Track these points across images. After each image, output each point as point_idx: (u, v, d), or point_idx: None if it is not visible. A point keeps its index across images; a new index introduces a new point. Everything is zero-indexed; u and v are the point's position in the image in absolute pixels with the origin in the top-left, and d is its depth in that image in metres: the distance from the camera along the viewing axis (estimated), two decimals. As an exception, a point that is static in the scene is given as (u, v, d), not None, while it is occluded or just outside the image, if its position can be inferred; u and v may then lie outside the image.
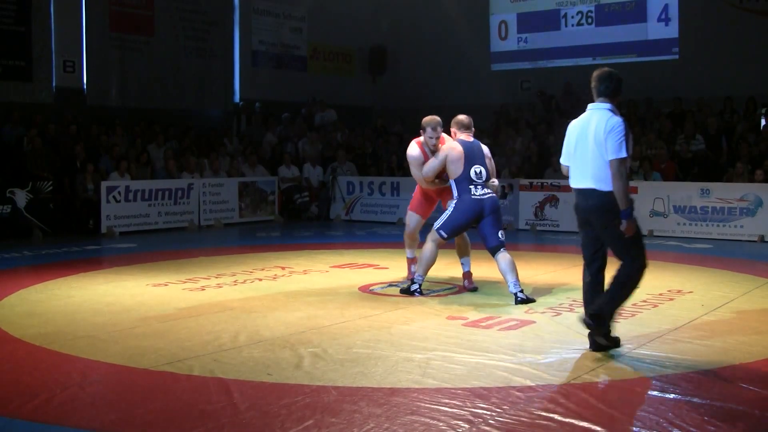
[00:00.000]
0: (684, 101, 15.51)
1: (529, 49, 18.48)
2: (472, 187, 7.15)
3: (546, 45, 18.21)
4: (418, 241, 7.99)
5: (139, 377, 4.77)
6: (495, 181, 7.43)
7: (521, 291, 6.96)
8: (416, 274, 7.38)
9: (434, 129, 7.38)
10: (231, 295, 7.39)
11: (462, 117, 7.48)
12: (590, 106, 5.34)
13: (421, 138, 7.50)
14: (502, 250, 7.08)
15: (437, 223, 7.28)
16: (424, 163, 7.43)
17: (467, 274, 7.71)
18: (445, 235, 7.23)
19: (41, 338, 5.66)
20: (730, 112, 14.90)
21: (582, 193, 5.31)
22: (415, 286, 7.33)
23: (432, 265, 7.38)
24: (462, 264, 7.72)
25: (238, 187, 14.49)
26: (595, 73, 5.32)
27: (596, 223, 5.26)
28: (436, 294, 7.43)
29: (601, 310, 5.15)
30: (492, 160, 7.47)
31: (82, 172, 12.88)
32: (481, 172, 7.21)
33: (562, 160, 5.56)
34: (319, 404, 4.21)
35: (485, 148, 7.44)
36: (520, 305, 6.81)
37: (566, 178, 5.52)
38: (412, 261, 7.95)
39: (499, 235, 7.12)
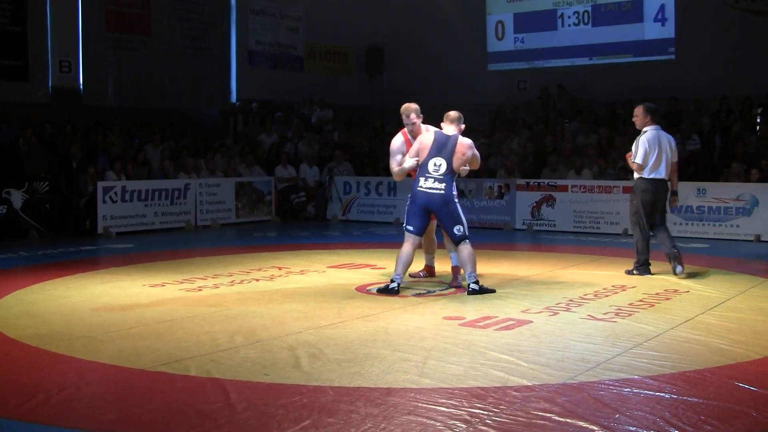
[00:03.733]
0: (680, 101, 15.53)
1: (525, 49, 18.49)
2: (422, 178, 7.30)
3: (543, 45, 18.21)
4: (435, 242, 8.21)
5: (136, 378, 4.76)
6: (466, 168, 7.44)
7: (476, 282, 7.22)
8: (394, 273, 7.40)
9: (407, 116, 7.68)
10: (228, 295, 7.39)
11: (451, 111, 7.62)
12: (655, 127, 8.43)
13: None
14: (463, 242, 7.28)
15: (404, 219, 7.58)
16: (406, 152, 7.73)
17: (428, 268, 8.26)
18: (411, 228, 7.38)
19: (38, 339, 5.65)
20: (726, 112, 14.93)
21: (658, 181, 8.42)
22: (393, 285, 7.34)
23: (409, 264, 7.45)
24: (426, 258, 8.26)
25: (234, 188, 14.48)
26: (652, 106, 8.59)
27: (662, 198, 8.51)
28: (432, 294, 7.43)
29: (676, 247, 8.48)
30: (467, 155, 7.34)
31: (83, 173, 12.86)
32: (440, 165, 7.26)
33: (643, 160, 8.33)
34: (316, 404, 4.21)
35: (466, 141, 7.40)
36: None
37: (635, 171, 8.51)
38: (455, 269, 7.91)
39: (455, 231, 7.26)
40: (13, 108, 13.87)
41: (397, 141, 7.85)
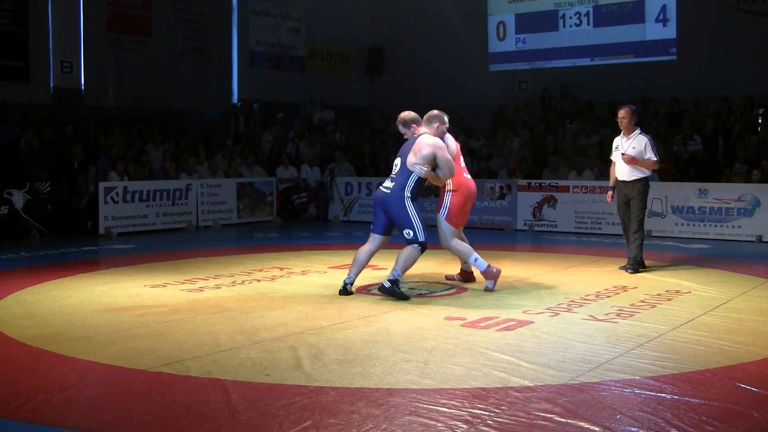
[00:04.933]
0: (681, 101, 15.53)
1: (527, 49, 18.48)
2: (387, 179, 7.30)
3: (544, 45, 18.20)
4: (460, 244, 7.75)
5: (136, 378, 4.76)
6: (422, 167, 7.08)
7: (393, 281, 7.00)
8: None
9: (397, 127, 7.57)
10: (229, 295, 7.39)
11: (430, 112, 7.47)
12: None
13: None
14: (413, 245, 7.07)
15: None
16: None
17: (464, 273, 7.99)
18: (371, 228, 7.42)
19: (39, 339, 5.65)
20: (727, 113, 14.93)
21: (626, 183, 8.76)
22: (344, 286, 7.30)
23: (362, 265, 7.40)
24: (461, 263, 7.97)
25: (236, 188, 14.49)
26: (636, 108, 8.88)
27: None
28: (434, 294, 7.43)
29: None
30: (424, 152, 7.04)
31: (83, 173, 12.87)
32: (396, 164, 7.26)
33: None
34: (317, 405, 4.21)
35: (426, 140, 7.12)
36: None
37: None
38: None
39: (405, 234, 7.08)
40: (14, 109, 13.86)
41: None
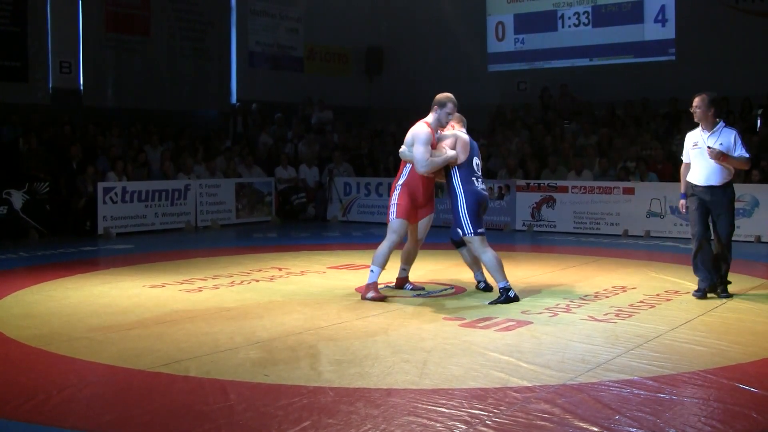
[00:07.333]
0: (680, 102, 15.51)
1: (525, 50, 18.48)
2: (474, 178, 7.14)
3: (543, 46, 18.20)
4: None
5: (135, 378, 4.76)
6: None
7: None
8: (499, 283, 7.00)
9: (455, 105, 7.33)
10: (228, 296, 7.39)
11: (459, 115, 7.52)
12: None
13: (430, 118, 7.26)
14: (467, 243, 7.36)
15: (465, 228, 7.03)
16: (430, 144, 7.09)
17: (400, 280, 7.69)
18: (481, 231, 7.10)
19: (38, 339, 5.65)
20: (726, 113, 14.93)
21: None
22: (512, 293, 6.97)
23: (502, 264, 7.08)
24: (403, 270, 7.68)
25: (234, 188, 14.49)
26: (715, 96, 7.42)
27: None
28: (432, 295, 7.43)
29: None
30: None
31: (81, 173, 12.86)
32: (478, 165, 7.28)
33: None
34: (316, 405, 4.21)
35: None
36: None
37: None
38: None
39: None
40: (13, 109, 13.86)
41: (425, 129, 7.15)
